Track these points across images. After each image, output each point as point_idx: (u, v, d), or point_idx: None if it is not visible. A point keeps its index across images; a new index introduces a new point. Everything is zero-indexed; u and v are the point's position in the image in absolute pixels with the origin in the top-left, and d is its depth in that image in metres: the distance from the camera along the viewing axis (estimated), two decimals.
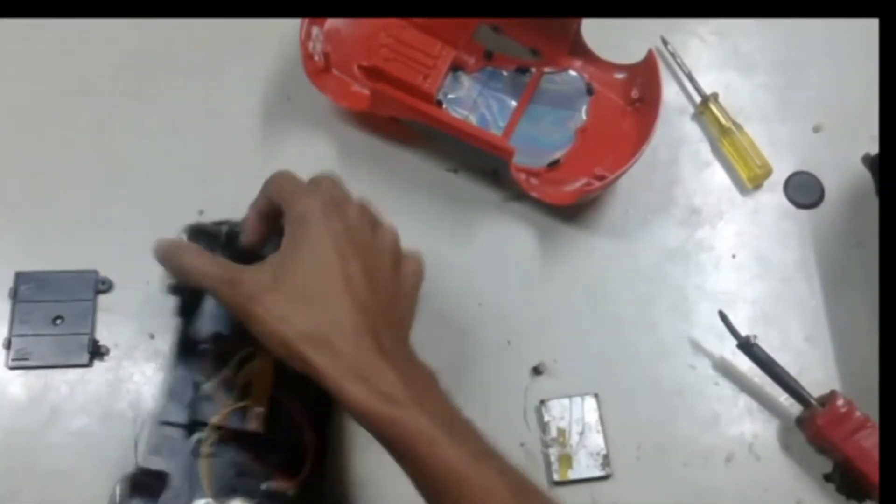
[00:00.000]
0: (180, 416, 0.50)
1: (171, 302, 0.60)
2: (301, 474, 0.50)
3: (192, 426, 0.50)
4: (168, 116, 0.65)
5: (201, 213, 0.63)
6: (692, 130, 0.68)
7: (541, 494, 0.44)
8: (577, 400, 0.58)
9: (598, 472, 0.57)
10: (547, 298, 0.62)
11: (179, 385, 0.51)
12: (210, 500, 0.48)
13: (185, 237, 0.53)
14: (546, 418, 0.58)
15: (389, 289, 0.46)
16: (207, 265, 0.46)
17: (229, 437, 0.50)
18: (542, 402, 0.58)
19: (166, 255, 0.47)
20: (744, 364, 0.60)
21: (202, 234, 0.53)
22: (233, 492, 0.49)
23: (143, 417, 0.56)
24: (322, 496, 0.51)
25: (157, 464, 0.50)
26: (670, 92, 0.68)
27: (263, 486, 0.49)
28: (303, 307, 0.42)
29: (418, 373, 0.45)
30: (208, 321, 0.53)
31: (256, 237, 0.49)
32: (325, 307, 0.42)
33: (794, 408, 0.59)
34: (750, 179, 0.65)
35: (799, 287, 0.63)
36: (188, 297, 0.53)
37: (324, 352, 0.41)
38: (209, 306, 0.53)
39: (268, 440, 0.50)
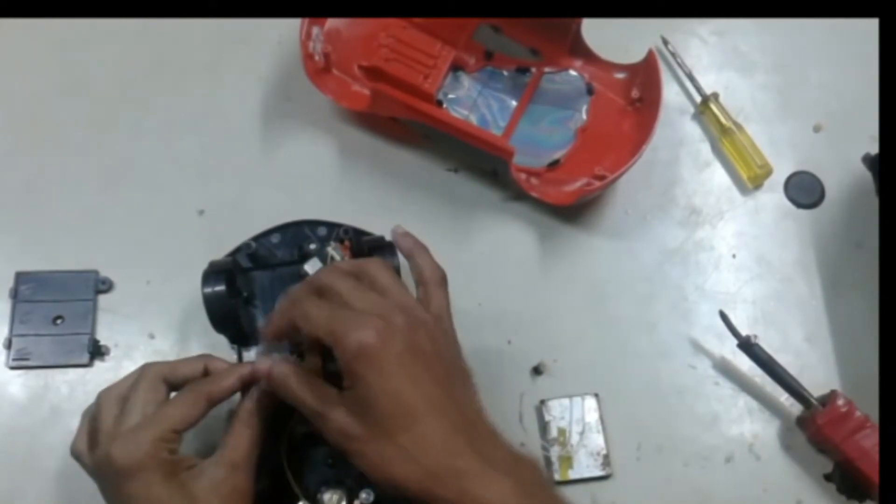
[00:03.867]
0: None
1: (173, 303, 0.60)
2: None
3: (275, 443, 0.51)
4: (168, 116, 0.65)
5: (201, 212, 0.63)
6: (692, 130, 0.68)
7: None
8: (577, 400, 0.58)
9: (598, 472, 0.57)
10: (547, 298, 0.62)
11: None
12: (305, 501, 0.49)
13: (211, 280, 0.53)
14: (546, 418, 0.58)
15: (455, 364, 0.47)
16: (306, 396, 0.45)
17: (308, 438, 0.51)
18: (542, 402, 0.58)
19: (278, 383, 0.46)
20: (744, 364, 0.60)
21: (221, 274, 0.53)
22: (325, 484, 0.50)
23: None
24: None
25: (260, 485, 0.51)
26: (670, 92, 0.68)
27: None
28: (397, 448, 0.42)
29: (515, 463, 0.44)
30: (260, 346, 0.55)
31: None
32: (416, 438, 0.42)
33: (795, 408, 0.59)
34: (750, 179, 0.65)
35: (799, 287, 0.63)
36: (233, 333, 0.55)
37: (438, 483, 0.42)
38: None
39: None
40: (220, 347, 0.58)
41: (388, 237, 0.57)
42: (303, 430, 0.51)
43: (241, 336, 0.55)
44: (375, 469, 0.43)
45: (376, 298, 0.45)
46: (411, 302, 0.47)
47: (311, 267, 0.54)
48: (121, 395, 0.47)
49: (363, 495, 0.51)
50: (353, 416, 0.43)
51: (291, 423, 0.51)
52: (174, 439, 0.45)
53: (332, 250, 0.54)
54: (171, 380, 0.48)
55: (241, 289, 0.56)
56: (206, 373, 0.50)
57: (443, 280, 0.51)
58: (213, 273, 0.53)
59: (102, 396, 0.48)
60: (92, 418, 0.48)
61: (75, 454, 0.48)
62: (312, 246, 0.56)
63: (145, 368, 0.48)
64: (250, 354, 0.56)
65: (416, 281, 0.50)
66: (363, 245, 0.56)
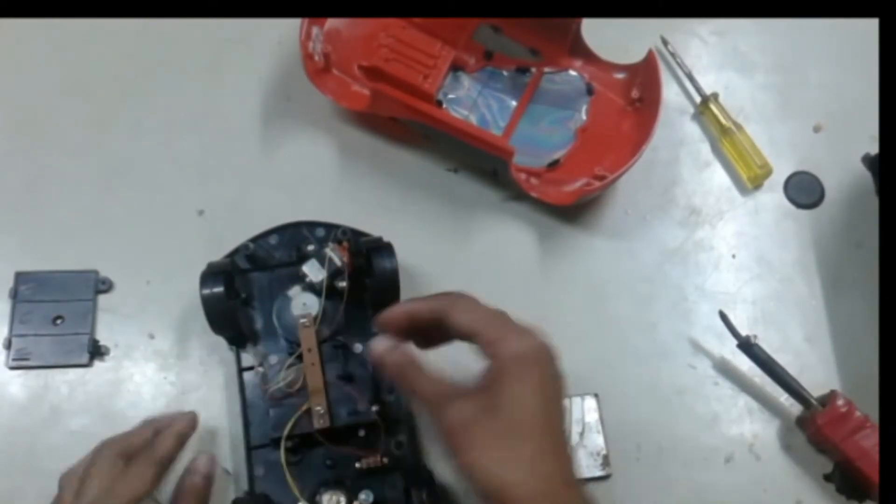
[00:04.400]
0: (262, 437, 0.53)
1: (173, 303, 0.60)
2: (380, 445, 0.52)
3: (276, 442, 0.52)
4: (168, 116, 0.65)
5: (201, 213, 0.63)
6: (692, 130, 0.68)
7: None
8: (577, 400, 0.58)
9: (598, 472, 0.57)
10: (547, 298, 0.62)
11: (252, 410, 0.55)
12: (304, 502, 0.50)
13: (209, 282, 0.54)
14: None
15: (563, 421, 0.47)
16: (424, 385, 0.45)
17: (307, 440, 0.52)
18: None
19: (399, 374, 0.46)
20: (744, 364, 0.60)
21: (219, 276, 0.54)
22: (324, 485, 0.51)
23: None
24: (407, 456, 0.53)
25: (258, 486, 0.53)
26: (670, 92, 0.68)
27: (357, 466, 0.52)
28: (517, 454, 0.42)
29: None
30: (258, 347, 0.56)
31: (393, 330, 0.48)
32: (542, 453, 0.42)
33: (795, 408, 0.59)
34: (750, 179, 0.65)
35: (799, 287, 0.63)
36: (231, 334, 0.56)
37: (545, 499, 0.42)
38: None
39: (341, 427, 0.52)
40: (220, 348, 0.58)
41: (387, 237, 0.57)
42: (300, 433, 0.52)
43: (239, 337, 0.55)
44: (483, 470, 0.42)
45: (525, 327, 0.46)
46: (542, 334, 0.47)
47: (309, 268, 0.54)
48: (79, 475, 0.49)
49: (362, 496, 0.51)
50: (482, 410, 0.43)
51: (288, 426, 0.51)
52: None
53: (331, 251, 0.54)
54: (126, 453, 0.49)
55: (239, 290, 0.56)
56: (156, 436, 0.51)
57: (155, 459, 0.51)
58: (212, 274, 0.53)
59: (62, 478, 0.50)
60: (54, 501, 0.49)
61: (61, 486, 0.49)
62: (311, 247, 0.57)
63: (101, 447, 0.50)
64: (249, 355, 0.56)
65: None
66: (361, 246, 0.56)
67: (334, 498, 0.50)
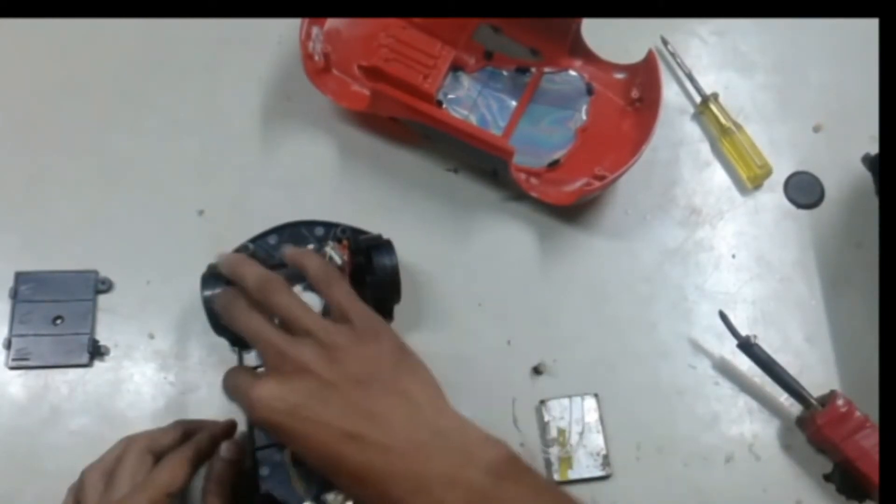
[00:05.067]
0: (267, 437, 0.52)
1: (173, 303, 0.60)
2: None
3: (280, 444, 0.51)
4: (168, 116, 0.65)
5: (201, 212, 0.63)
6: (692, 130, 0.68)
7: None
8: (577, 400, 0.58)
9: (598, 472, 0.57)
10: (547, 298, 0.62)
11: None
12: (310, 502, 0.50)
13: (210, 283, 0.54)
14: (546, 418, 0.58)
15: (380, 370, 0.46)
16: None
17: None
18: (542, 402, 0.58)
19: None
20: (744, 364, 0.60)
21: (220, 277, 0.53)
22: (327, 486, 0.50)
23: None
24: None
25: (263, 486, 0.52)
26: (670, 92, 0.68)
27: None
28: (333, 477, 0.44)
29: None
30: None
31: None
32: (344, 477, 0.43)
33: (795, 408, 0.59)
34: (750, 179, 0.65)
35: (799, 287, 0.63)
36: (233, 335, 0.55)
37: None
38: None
39: None
40: (219, 348, 0.58)
41: (387, 237, 0.57)
42: None
43: (241, 339, 0.55)
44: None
45: (269, 341, 0.45)
46: (310, 324, 0.46)
47: None
48: (106, 469, 0.49)
49: None
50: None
51: None
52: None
53: (331, 250, 0.54)
54: (154, 450, 0.50)
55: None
56: (184, 437, 0.51)
57: (334, 275, 0.49)
58: (213, 276, 0.53)
59: (86, 473, 0.49)
60: (76, 494, 0.49)
61: (85, 475, 0.49)
62: (311, 246, 0.56)
63: (129, 442, 0.50)
64: (251, 357, 0.56)
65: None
66: (361, 244, 0.56)
67: (339, 497, 0.50)
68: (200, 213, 0.63)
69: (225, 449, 0.51)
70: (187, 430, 0.52)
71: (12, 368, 0.58)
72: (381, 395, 0.44)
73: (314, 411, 0.43)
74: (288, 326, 0.46)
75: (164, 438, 0.51)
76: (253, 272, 0.49)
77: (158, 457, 0.49)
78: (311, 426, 0.43)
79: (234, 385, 0.46)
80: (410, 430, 0.43)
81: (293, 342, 0.45)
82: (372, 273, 0.55)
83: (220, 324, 0.53)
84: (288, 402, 0.43)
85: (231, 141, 0.65)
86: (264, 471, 0.53)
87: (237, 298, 0.48)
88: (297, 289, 0.55)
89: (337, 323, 0.46)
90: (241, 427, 0.56)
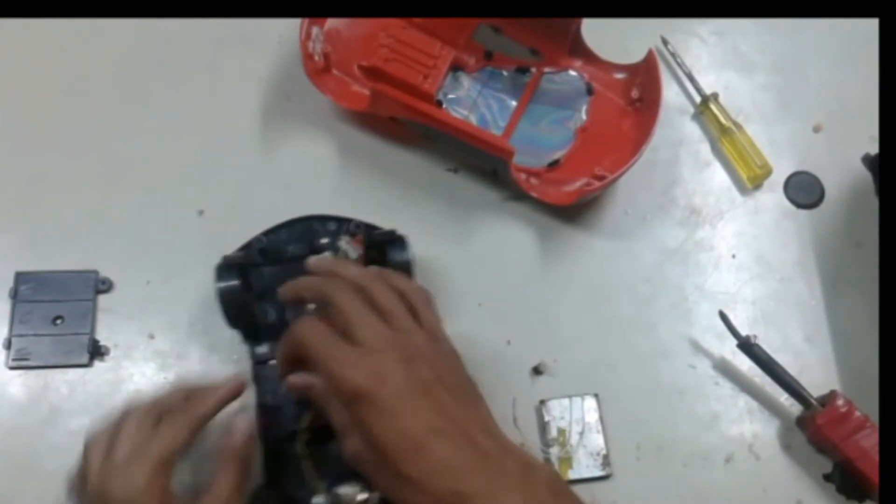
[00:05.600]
0: (281, 430, 0.53)
1: (173, 303, 0.60)
2: None
3: (292, 435, 0.52)
4: (168, 116, 0.65)
5: (201, 213, 0.63)
6: (692, 130, 0.68)
7: None
8: (577, 400, 0.58)
9: (598, 472, 0.56)
10: (547, 298, 0.62)
11: (271, 406, 0.54)
12: (323, 495, 0.50)
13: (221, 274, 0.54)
14: (546, 418, 0.58)
15: (458, 382, 0.47)
16: (333, 416, 0.46)
17: (323, 432, 0.51)
18: (542, 402, 0.58)
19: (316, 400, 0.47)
20: (744, 364, 0.60)
21: (234, 268, 0.53)
22: (342, 478, 0.50)
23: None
24: None
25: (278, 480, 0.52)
26: (670, 92, 0.68)
27: None
28: (403, 479, 0.42)
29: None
30: (272, 341, 0.55)
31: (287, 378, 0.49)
32: (420, 469, 0.42)
33: (795, 408, 0.59)
34: (750, 179, 0.65)
35: (799, 287, 0.63)
36: (247, 327, 0.55)
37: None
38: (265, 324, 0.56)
39: None
40: (219, 348, 0.58)
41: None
42: (318, 425, 0.51)
43: (254, 331, 0.55)
44: (389, 497, 0.44)
45: (376, 324, 0.46)
46: (411, 325, 0.47)
47: None
48: (108, 434, 0.48)
49: None
50: (362, 443, 0.44)
51: (306, 418, 0.51)
52: (167, 470, 0.46)
53: (345, 245, 0.54)
54: (156, 413, 0.49)
55: (253, 284, 0.55)
56: (187, 399, 0.50)
57: (429, 299, 0.51)
58: (227, 267, 0.53)
59: (88, 442, 0.49)
60: (81, 462, 0.48)
61: (87, 447, 0.49)
62: (324, 240, 0.56)
63: (128, 408, 0.49)
64: (264, 349, 0.55)
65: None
66: (375, 238, 0.56)
67: (352, 490, 0.50)
68: (200, 213, 0.63)
69: (238, 422, 0.50)
70: (190, 393, 0.51)
71: (12, 368, 0.58)
72: (463, 409, 0.45)
73: (412, 397, 0.43)
74: (388, 321, 0.47)
75: (165, 401, 0.50)
76: (355, 269, 0.50)
77: (160, 419, 0.49)
78: (406, 408, 0.43)
79: (327, 345, 0.45)
80: (484, 441, 0.44)
81: (399, 332, 0.46)
82: (386, 268, 0.55)
83: (234, 316, 0.53)
84: (392, 378, 0.43)
85: (231, 141, 0.65)
86: (275, 464, 0.53)
87: (343, 281, 0.49)
88: None
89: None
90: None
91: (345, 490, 0.50)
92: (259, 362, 0.55)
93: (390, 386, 0.43)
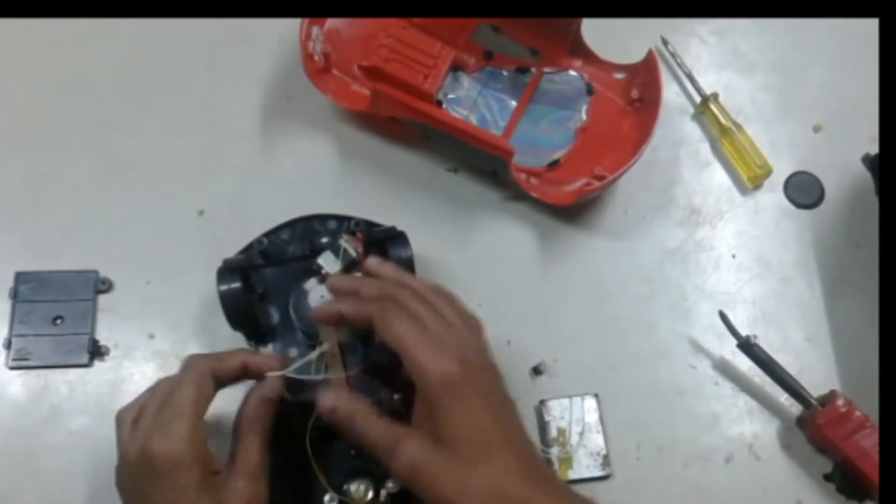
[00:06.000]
0: (288, 431, 0.52)
1: (173, 303, 0.60)
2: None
3: (301, 435, 0.51)
4: (168, 116, 0.65)
5: (201, 213, 0.63)
6: (692, 130, 0.68)
7: None
8: (577, 400, 0.58)
9: (598, 472, 0.56)
10: (547, 298, 0.62)
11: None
12: (332, 492, 0.50)
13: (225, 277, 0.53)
14: (546, 418, 0.58)
15: (509, 400, 0.47)
16: (375, 433, 0.45)
17: (330, 431, 0.51)
18: (542, 402, 0.58)
19: (344, 422, 0.46)
20: (744, 364, 0.60)
21: (236, 271, 0.53)
22: (350, 476, 0.50)
23: None
24: None
25: (286, 480, 0.52)
26: (670, 92, 0.68)
27: None
28: (476, 477, 0.42)
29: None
30: (276, 341, 0.55)
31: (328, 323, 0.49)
32: (496, 470, 0.42)
33: (795, 408, 0.59)
34: (750, 179, 0.65)
35: (799, 287, 0.63)
36: (250, 329, 0.55)
37: None
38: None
39: None
40: (219, 348, 0.58)
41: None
42: (325, 424, 0.51)
43: (257, 333, 0.55)
44: (448, 498, 0.42)
45: (450, 330, 0.46)
46: (474, 338, 0.47)
47: (324, 260, 0.54)
48: (135, 405, 0.47)
49: (389, 484, 0.51)
50: (429, 444, 0.43)
51: (313, 417, 0.51)
52: (199, 424, 0.45)
53: (345, 243, 0.54)
54: (218, 373, 0.48)
55: (255, 285, 0.56)
56: (244, 368, 0.49)
57: (451, 300, 0.50)
58: (228, 270, 0.53)
59: (157, 384, 0.48)
60: (142, 402, 0.47)
61: (119, 419, 0.48)
62: (324, 240, 0.56)
63: (191, 361, 0.48)
64: (268, 351, 0.55)
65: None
66: (375, 236, 0.56)
67: (361, 487, 0.50)
68: (200, 213, 0.63)
69: (265, 386, 0.49)
70: (246, 364, 0.49)
71: (12, 368, 0.58)
72: (516, 418, 0.46)
73: (496, 397, 0.44)
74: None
75: (229, 361, 0.49)
76: (375, 286, 0.49)
77: (222, 383, 0.48)
78: (491, 405, 0.43)
79: (411, 328, 0.44)
80: (519, 435, 0.45)
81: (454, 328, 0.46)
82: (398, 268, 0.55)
83: (236, 318, 0.53)
84: (482, 375, 0.44)
85: (231, 141, 0.65)
86: (284, 465, 0.52)
87: (404, 286, 0.48)
88: (312, 282, 0.55)
89: None
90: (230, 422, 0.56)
91: (355, 488, 0.50)
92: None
93: (476, 381, 0.43)
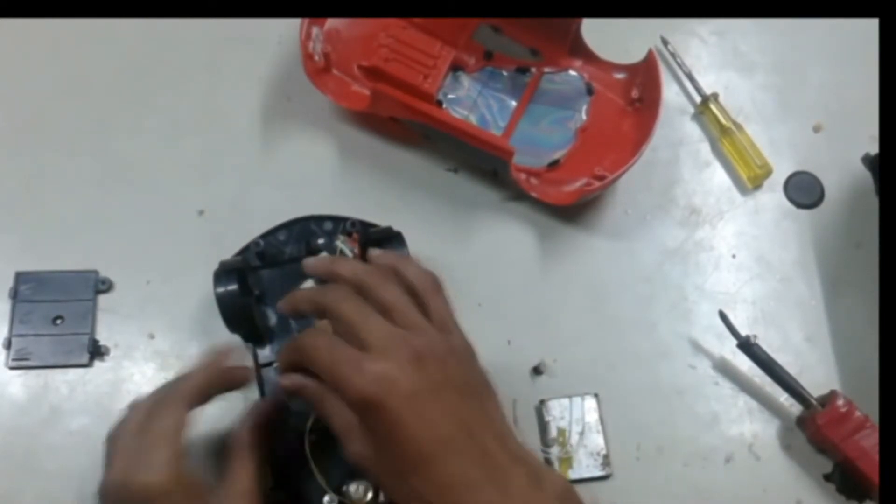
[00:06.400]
0: (286, 433, 0.52)
1: (173, 303, 0.60)
2: None
3: (299, 437, 0.51)
4: (168, 116, 0.65)
5: (201, 213, 0.63)
6: (692, 130, 0.68)
7: None
8: (577, 400, 0.58)
9: (598, 472, 0.56)
10: (547, 298, 0.62)
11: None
12: (331, 493, 0.49)
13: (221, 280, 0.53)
14: (546, 418, 0.58)
15: (471, 382, 0.45)
16: (333, 417, 0.44)
17: (329, 432, 0.50)
18: (542, 402, 0.58)
19: (314, 399, 0.45)
20: (744, 364, 0.60)
21: (233, 273, 0.53)
22: (349, 477, 0.50)
23: None
24: None
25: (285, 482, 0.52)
26: (670, 92, 0.68)
27: None
28: (409, 487, 0.41)
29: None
30: (274, 343, 0.55)
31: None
32: (429, 479, 0.41)
33: (795, 408, 0.59)
34: (750, 179, 0.65)
35: (799, 287, 0.63)
36: (247, 331, 0.55)
37: None
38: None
39: None
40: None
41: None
42: (324, 425, 0.51)
43: (255, 335, 0.55)
44: (395, 499, 0.43)
45: (381, 326, 0.43)
46: (418, 320, 0.45)
47: None
48: (115, 431, 0.47)
49: None
50: (369, 449, 0.43)
51: (311, 419, 0.51)
52: (178, 448, 0.45)
53: (341, 244, 0.54)
54: (191, 398, 0.47)
55: (252, 287, 0.56)
56: (214, 387, 0.49)
57: (437, 286, 0.48)
58: (225, 272, 0.53)
59: (134, 406, 0.48)
60: (124, 426, 0.47)
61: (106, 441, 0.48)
62: (321, 241, 0.56)
63: (164, 388, 0.48)
64: (266, 353, 0.55)
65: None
66: (371, 237, 0.56)
67: (361, 487, 0.50)
68: (200, 213, 0.63)
69: (256, 413, 0.49)
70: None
71: (12, 368, 0.58)
72: (474, 410, 0.43)
73: (425, 405, 0.42)
74: (392, 319, 0.45)
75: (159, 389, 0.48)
76: (352, 267, 0.47)
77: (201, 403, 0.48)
78: (415, 417, 0.41)
79: (332, 352, 0.43)
80: (495, 449, 0.42)
81: (405, 330, 0.44)
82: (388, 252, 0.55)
83: (234, 320, 0.53)
84: (404, 386, 0.41)
85: (231, 141, 0.65)
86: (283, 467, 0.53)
87: (339, 287, 0.46)
88: (309, 283, 0.55)
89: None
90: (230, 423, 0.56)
91: (354, 488, 0.50)
92: (263, 365, 0.55)
93: (398, 392, 0.41)
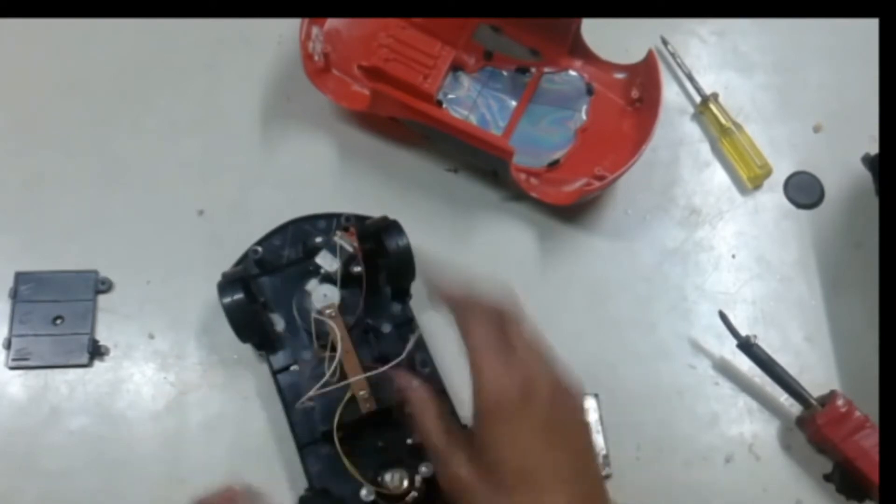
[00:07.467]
0: (308, 434, 0.53)
1: (173, 303, 0.60)
2: None
3: (326, 435, 0.52)
4: (168, 116, 0.65)
5: (201, 213, 0.63)
6: (692, 130, 0.68)
7: None
8: None
9: None
10: (547, 298, 0.62)
11: (291, 410, 0.54)
12: (368, 486, 0.50)
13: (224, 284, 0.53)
14: None
15: (579, 425, 0.45)
16: (434, 432, 0.45)
17: (356, 428, 0.52)
18: None
19: (414, 411, 0.46)
20: (744, 364, 0.60)
21: (237, 282, 0.53)
22: (383, 467, 0.51)
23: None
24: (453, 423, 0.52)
25: (320, 482, 0.52)
26: (670, 92, 0.68)
27: (409, 441, 0.52)
28: (508, 500, 0.41)
29: None
30: (286, 348, 0.56)
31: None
32: (531, 500, 0.41)
33: (795, 408, 0.59)
34: (750, 179, 0.65)
35: (799, 287, 0.63)
36: (258, 339, 0.55)
37: None
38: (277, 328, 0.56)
39: (386, 408, 0.52)
40: (219, 348, 0.59)
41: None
42: (349, 420, 0.52)
43: (265, 342, 0.55)
44: None
45: (524, 357, 0.44)
46: (552, 364, 0.45)
47: (322, 259, 0.54)
48: None
49: (423, 469, 0.51)
50: (475, 463, 0.42)
51: (337, 416, 0.51)
52: None
53: (340, 239, 0.54)
54: None
55: (256, 295, 0.56)
56: None
57: (519, 319, 0.47)
58: (229, 283, 0.53)
59: None
60: None
61: None
62: (318, 239, 0.56)
63: None
64: (280, 359, 0.55)
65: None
66: (368, 228, 0.56)
67: (397, 475, 0.50)
68: (200, 213, 0.63)
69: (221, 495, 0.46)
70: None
71: (12, 368, 0.58)
72: (562, 427, 0.43)
73: (549, 407, 0.42)
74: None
75: None
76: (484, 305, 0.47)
77: None
78: (540, 442, 0.42)
79: (487, 342, 0.43)
80: (578, 470, 0.43)
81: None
82: (385, 255, 0.55)
83: (244, 329, 0.53)
84: (539, 396, 0.42)
85: (231, 141, 0.65)
86: (314, 467, 0.53)
87: (476, 308, 0.46)
88: (313, 283, 0.55)
89: None
90: (231, 424, 0.56)
91: (389, 476, 0.50)
92: (277, 371, 0.55)
93: (534, 414, 0.41)
